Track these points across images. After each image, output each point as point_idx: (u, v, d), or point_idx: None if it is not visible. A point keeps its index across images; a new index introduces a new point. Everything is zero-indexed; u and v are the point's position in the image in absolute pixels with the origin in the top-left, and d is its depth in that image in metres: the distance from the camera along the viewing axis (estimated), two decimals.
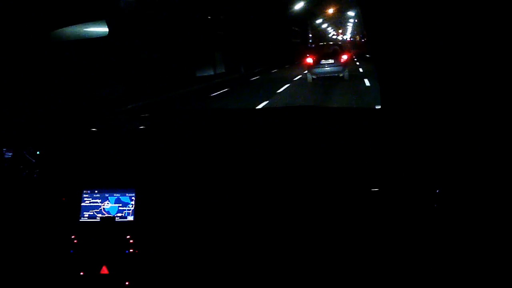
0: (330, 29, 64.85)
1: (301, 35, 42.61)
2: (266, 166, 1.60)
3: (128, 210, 1.58)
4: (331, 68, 14.64)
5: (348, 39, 66.40)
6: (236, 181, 1.60)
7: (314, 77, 14.68)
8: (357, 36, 57.56)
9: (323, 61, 14.92)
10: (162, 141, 1.76)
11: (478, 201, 1.01)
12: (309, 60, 15.30)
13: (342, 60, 14.94)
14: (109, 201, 1.59)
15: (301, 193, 1.54)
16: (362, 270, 1.45)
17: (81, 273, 1.52)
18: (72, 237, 1.56)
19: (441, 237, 1.25)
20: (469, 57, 0.96)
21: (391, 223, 1.43)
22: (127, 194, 1.59)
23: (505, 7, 0.89)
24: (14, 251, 1.60)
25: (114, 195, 1.60)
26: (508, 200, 0.94)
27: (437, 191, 1.25)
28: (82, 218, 1.59)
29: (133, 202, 1.58)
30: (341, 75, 14.64)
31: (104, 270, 1.52)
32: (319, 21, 48.79)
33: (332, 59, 14.88)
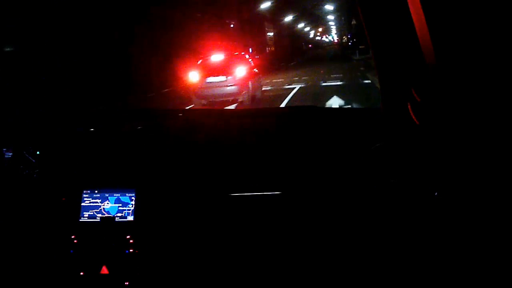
0: (303, 27, 48.44)
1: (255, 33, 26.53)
2: (267, 166, 1.60)
3: (128, 210, 1.58)
4: (222, 88, 9.67)
5: (335, 41, 55.34)
6: (236, 181, 1.60)
7: (204, 102, 9.72)
8: (345, 37, 43.30)
9: (210, 79, 9.81)
10: (162, 141, 1.76)
11: (478, 201, 1.01)
12: (193, 77, 10.15)
13: (237, 77, 9.75)
14: (109, 201, 1.59)
15: (301, 193, 1.54)
16: (362, 270, 1.45)
17: (81, 273, 1.53)
18: (72, 237, 1.56)
19: (440, 237, 1.25)
20: (470, 58, 0.96)
21: (390, 223, 1.43)
22: (127, 194, 1.59)
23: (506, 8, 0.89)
24: (14, 251, 1.60)
25: (114, 195, 1.60)
26: (508, 202, 0.94)
27: (436, 194, 1.25)
28: (82, 218, 1.59)
29: (133, 202, 1.58)
30: (239, 99, 9.53)
31: (104, 270, 1.52)
32: (265, 5, 28.84)
33: (223, 75, 9.80)
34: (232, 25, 24.12)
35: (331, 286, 1.49)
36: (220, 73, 9.85)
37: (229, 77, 9.75)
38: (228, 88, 9.66)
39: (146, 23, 13.44)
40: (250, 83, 10.02)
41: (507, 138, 0.92)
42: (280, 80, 15.08)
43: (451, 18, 0.95)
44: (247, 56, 11.56)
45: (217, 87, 9.70)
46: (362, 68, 14.29)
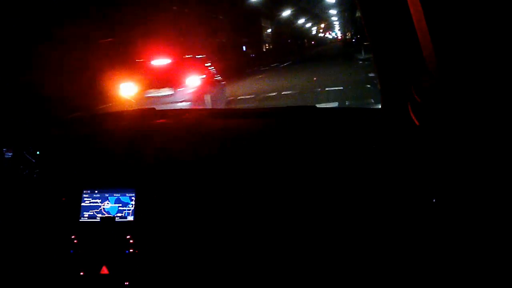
0: (305, 23, 44.33)
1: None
2: (267, 166, 1.60)
3: (128, 210, 1.58)
4: (168, 106, 6.40)
5: (339, 37, 53.79)
6: (236, 181, 1.60)
7: None
8: (348, 33, 41.18)
9: (151, 93, 7.32)
10: (162, 141, 1.76)
11: (477, 209, 1.01)
12: (127, 90, 7.48)
13: (189, 89, 7.32)
14: (109, 201, 1.59)
15: (301, 193, 1.54)
16: (360, 272, 1.45)
17: (81, 273, 1.53)
18: (72, 237, 1.56)
19: (439, 238, 1.25)
20: (470, 58, 0.96)
21: (389, 226, 1.43)
22: (127, 194, 1.59)
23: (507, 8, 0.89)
24: (14, 251, 1.60)
25: (114, 195, 1.60)
26: (507, 206, 0.94)
27: (434, 200, 1.25)
28: (82, 218, 1.59)
29: (133, 202, 1.58)
30: None
31: (104, 270, 1.52)
32: None
33: (169, 87, 7.32)
34: (220, 18, 18.96)
35: (329, 286, 1.49)
36: (164, 84, 7.28)
37: (178, 90, 7.23)
38: (177, 105, 6.74)
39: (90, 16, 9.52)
40: (208, 97, 7.39)
41: (507, 140, 0.92)
42: (249, 96, 10.42)
43: (451, 18, 0.95)
44: (208, 64, 8.67)
45: (160, 103, 6.60)
46: (371, 74, 9.98)
